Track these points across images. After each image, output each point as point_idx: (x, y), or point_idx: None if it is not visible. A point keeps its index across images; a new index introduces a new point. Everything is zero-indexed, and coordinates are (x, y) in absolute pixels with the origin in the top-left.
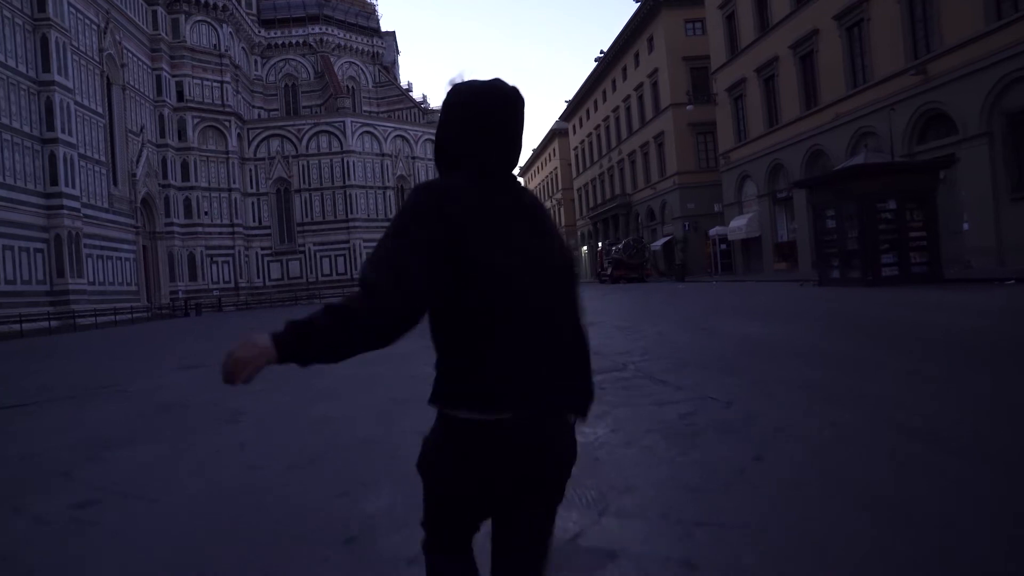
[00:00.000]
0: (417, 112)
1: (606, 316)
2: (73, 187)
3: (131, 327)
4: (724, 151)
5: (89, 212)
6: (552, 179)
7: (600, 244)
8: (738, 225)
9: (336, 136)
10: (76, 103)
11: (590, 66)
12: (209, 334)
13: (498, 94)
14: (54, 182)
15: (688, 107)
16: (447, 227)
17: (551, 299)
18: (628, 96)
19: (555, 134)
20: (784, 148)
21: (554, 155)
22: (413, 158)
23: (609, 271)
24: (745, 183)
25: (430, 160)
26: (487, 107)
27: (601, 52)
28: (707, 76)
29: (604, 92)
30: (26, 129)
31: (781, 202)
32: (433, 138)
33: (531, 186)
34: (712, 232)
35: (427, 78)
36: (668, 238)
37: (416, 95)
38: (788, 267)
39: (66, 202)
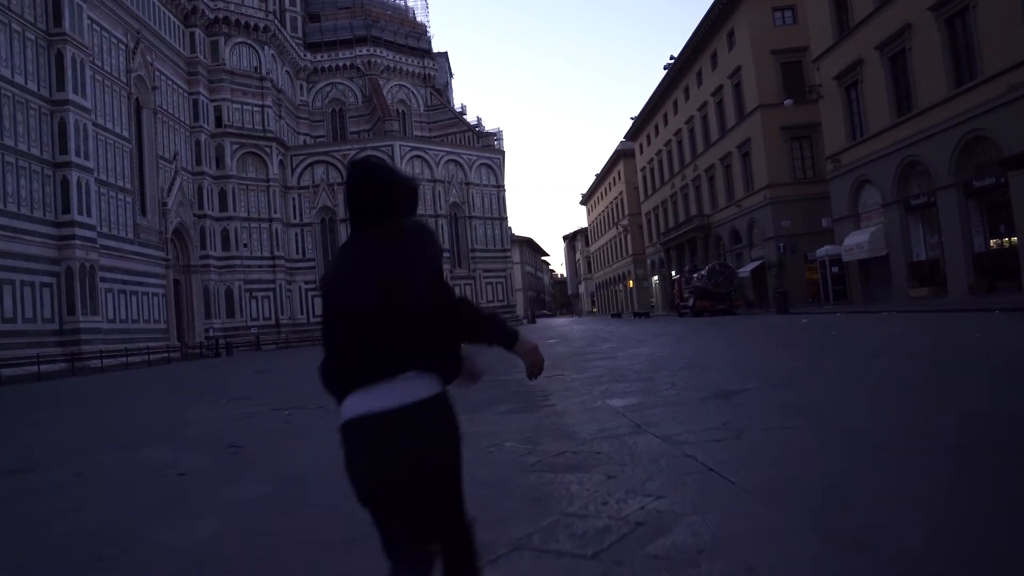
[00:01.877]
0: (471, 136)
1: (711, 375)
2: (88, 215)
3: (141, 371)
4: (832, 154)
5: (110, 243)
6: (617, 205)
7: (674, 273)
8: (856, 242)
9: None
10: (95, 125)
11: (657, 77)
12: (216, 386)
13: (349, 167)
14: (66, 210)
15: (786, 102)
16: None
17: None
18: (704, 103)
19: (619, 156)
20: (922, 140)
21: (619, 179)
22: (467, 184)
23: (691, 302)
24: (863, 190)
25: (485, 186)
26: (346, 180)
27: (672, 58)
28: (801, 71)
29: (675, 103)
30: (35, 152)
31: (917, 210)
32: (489, 163)
33: (594, 213)
34: (820, 253)
35: (482, 100)
36: (759, 262)
37: (470, 118)
38: (930, 292)
39: (79, 231)
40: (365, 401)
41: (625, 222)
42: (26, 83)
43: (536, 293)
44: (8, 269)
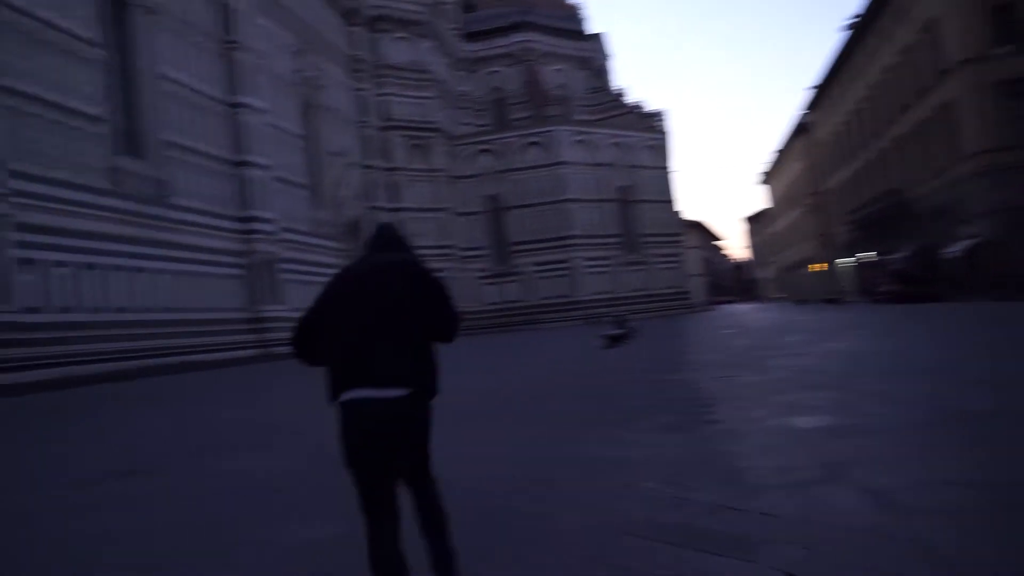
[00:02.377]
0: (633, 117)
1: (935, 384)
2: (267, 210)
3: None
4: None
5: (289, 236)
6: (799, 182)
7: (867, 254)
8: None
9: (546, 147)
10: (270, 125)
11: (836, 41)
12: None
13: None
14: (248, 206)
15: (1000, 52)
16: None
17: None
18: (894, 65)
19: (799, 130)
20: None
21: (800, 154)
22: (632, 167)
23: (888, 287)
24: None
25: (652, 168)
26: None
27: (854, 18)
28: (1017, 13)
29: (858, 67)
30: (218, 152)
31: None
32: (654, 144)
33: (775, 192)
34: None
35: (642, 81)
36: (971, 241)
37: (631, 100)
38: None
39: (259, 226)
40: (363, 392)
41: (809, 200)
42: (209, 90)
43: (712, 278)
44: (201, 262)
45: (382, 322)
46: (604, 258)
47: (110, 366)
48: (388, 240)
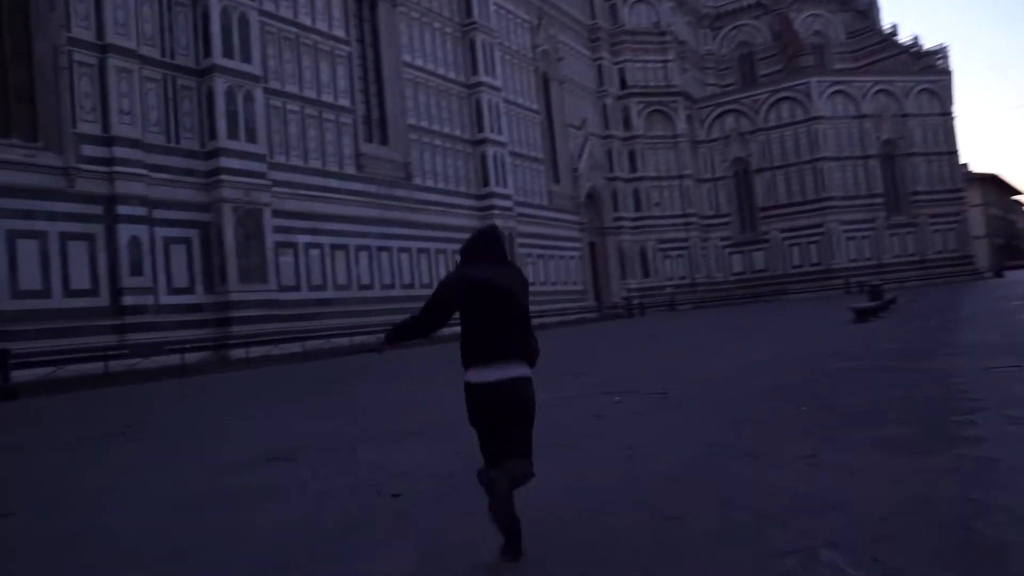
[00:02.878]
0: (906, 59)
1: None
2: (505, 186)
3: (547, 331)
4: None
5: (527, 211)
6: None
7: None
8: None
9: (799, 102)
10: (506, 101)
11: None
12: (575, 354)
13: (485, 229)
14: (485, 183)
15: None
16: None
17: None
18: None
19: None
20: None
21: None
22: (903, 116)
23: None
24: None
25: (927, 115)
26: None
27: None
28: None
29: None
30: (458, 133)
31: None
32: (930, 88)
33: None
34: None
35: (918, 13)
36: None
37: (904, 37)
38: None
39: (496, 202)
40: (501, 371)
41: None
42: (447, 73)
43: (1005, 240)
44: (440, 240)
45: (510, 317)
46: (865, 221)
47: (353, 340)
48: (498, 251)
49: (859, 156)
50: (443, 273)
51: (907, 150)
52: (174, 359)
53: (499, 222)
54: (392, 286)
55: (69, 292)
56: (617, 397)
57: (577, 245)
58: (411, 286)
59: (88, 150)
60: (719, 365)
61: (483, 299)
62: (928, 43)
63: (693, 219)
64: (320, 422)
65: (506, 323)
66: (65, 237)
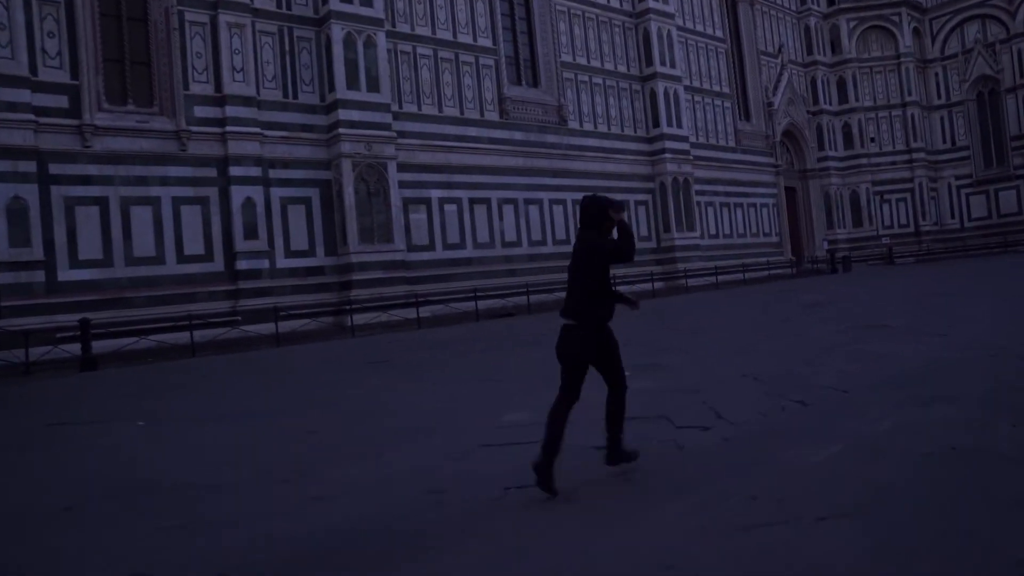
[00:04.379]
0: None
1: None
2: (679, 127)
3: (712, 292)
4: None
5: (708, 154)
6: None
7: None
8: None
9: None
10: (681, 29)
11: None
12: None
13: (593, 199)
14: (655, 124)
15: None
16: None
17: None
18: None
19: None
20: None
21: None
22: None
23: None
24: None
25: None
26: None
27: None
28: None
29: None
30: (622, 69)
31: None
32: None
33: None
34: None
35: None
36: None
37: None
38: None
39: (669, 144)
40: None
41: None
42: (608, 2)
43: None
44: (603, 190)
45: (571, 280)
46: None
47: (504, 301)
48: (587, 219)
49: None
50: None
51: None
52: (292, 324)
53: (671, 167)
54: (543, 242)
55: (182, 257)
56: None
57: (771, 191)
58: (565, 241)
59: (200, 111)
60: (916, 349)
61: None
62: None
63: (920, 155)
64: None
65: (570, 283)
66: (178, 202)
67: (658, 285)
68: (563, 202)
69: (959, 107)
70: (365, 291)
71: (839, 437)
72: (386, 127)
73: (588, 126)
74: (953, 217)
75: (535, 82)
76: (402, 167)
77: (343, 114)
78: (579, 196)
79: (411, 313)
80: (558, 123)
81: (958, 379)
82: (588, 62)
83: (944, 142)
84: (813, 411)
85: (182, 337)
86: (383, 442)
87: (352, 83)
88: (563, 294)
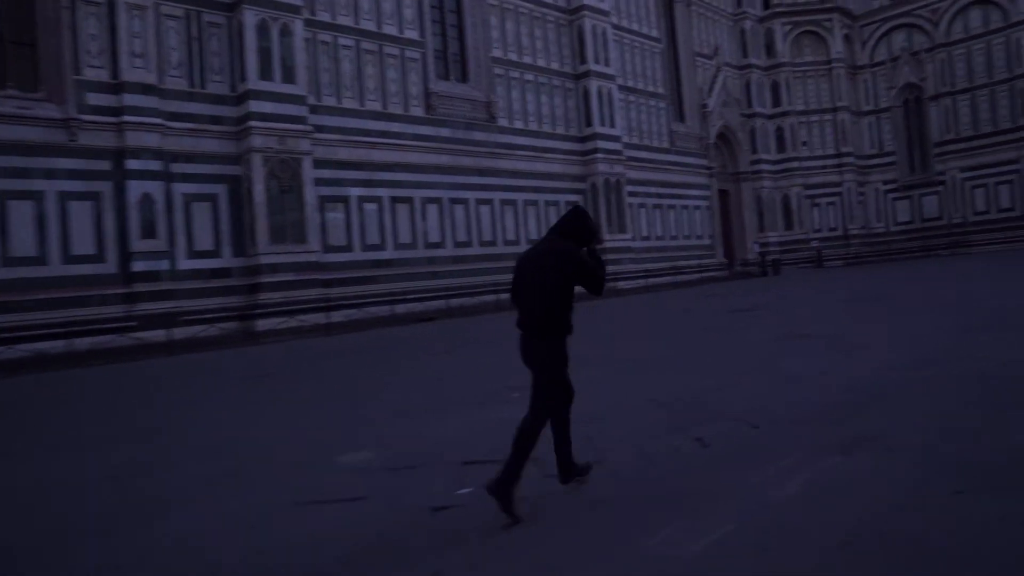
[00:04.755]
0: None
1: None
2: (612, 126)
3: (643, 296)
4: None
5: (642, 155)
6: None
7: None
8: None
9: (997, 5)
10: (617, 28)
11: None
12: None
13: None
14: (588, 123)
15: None
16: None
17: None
18: None
19: None
20: None
21: None
22: None
23: None
24: None
25: None
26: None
27: None
28: None
29: None
30: (555, 66)
31: None
32: None
33: None
34: None
35: None
36: None
37: None
38: None
39: (601, 144)
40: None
41: None
42: None
43: None
44: (531, 190)
45: (534, 287)
46: None
47: (425, 305)
48: (568, 227)
49: (1005, 79)
50: (532, 228)
51: None
52: (194, 330)
53: (603, 167)
54: (468, 243)
55: (70, 258)
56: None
57: (704, 193)
58: (492, 243)
59: (94, 99)
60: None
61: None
62: None
63: (849, 159)
64: None
65: (521, 294)
66: (66, 197)
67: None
68: (490, 202)
69: (887, 113)
70: (275, 294)
71: (730, 509)
72: (301, 120)
73: (518, 124)
74: (880, 221)
75: (464, 77)
76: (319, 163)
77: (255, 106)
78: (507, 196)
79: (324, 318)
80: (487, 120)
81: (888, 410)
82: (520, 58)
83: (872, 147)
84: (710, 456)
85: (55, 346)
86: (170, 499)
87: (265, 73)
88: (488, 298)
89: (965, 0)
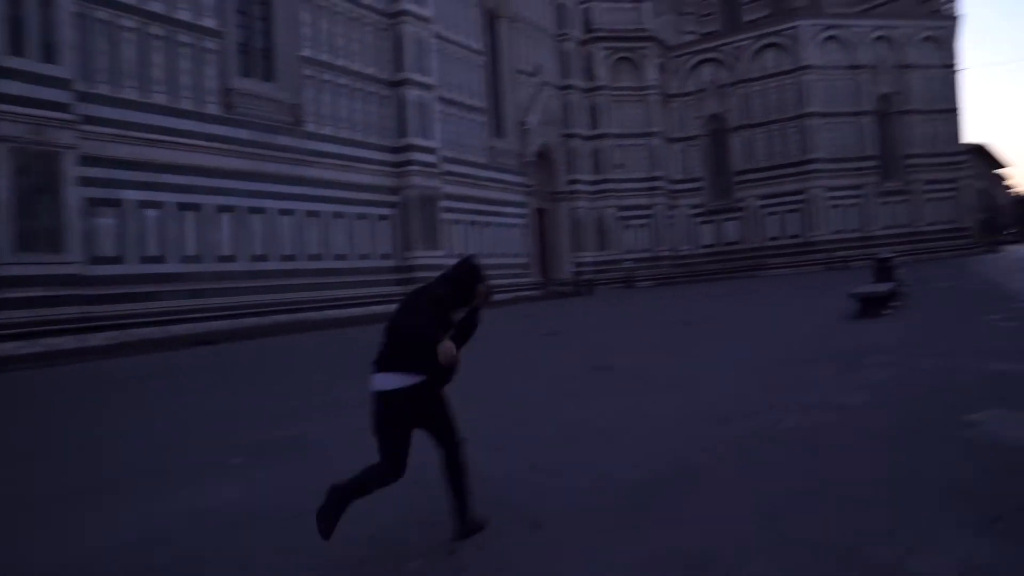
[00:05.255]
0: (910, 2)
1: None
2: (429, 138)
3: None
4: None
5: (459, 169)
6: None
7: None
8: None
9: (787, 49)
10: (439, 37)
11: None
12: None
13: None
14: (403, 133)
15: None
16: None
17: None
18: None
19: None
20: None
21: None
22: (902, 67)
23: None
24: None
25: (929, 67)
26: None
27: None
28: None
29: None
30: (371, 71)
31: None
32: (935, 35)
33: None
34: None
35: None
36: None
37: None
38: None
39: (417, 156)
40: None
41: None
42: None
43: (989, 215)
44: (341, 201)
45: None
46: (853, 187)
47: (209, 325)
48: (456, 280)
49: (851, 112)
50: (339, 242)
51: (904, 107)
52: None
53: (418, 180)
54: (265, 257)
55: None
56: None
57: (522, 211)
58: (292, 257)
59: None
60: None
61: None
62: None
63: (660, 183)
64: None
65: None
66: None
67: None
68: (293, 213)
69: (694, 141)
70: (21, 313)
71: None
72: (65, 108)
73: (328, 130)
74: (687, 243)
75: (269, 76)
76: (88, 160)
77: (2, 85)
78: (313, 207)
79: (77, 341)
80: (293, 124)
81: (703, 502)
82: (333, 60)
83: (681, 172)
84: None
85: None
86: None
87: (17, 48)
88: (283, 317)
89: (762, 42)
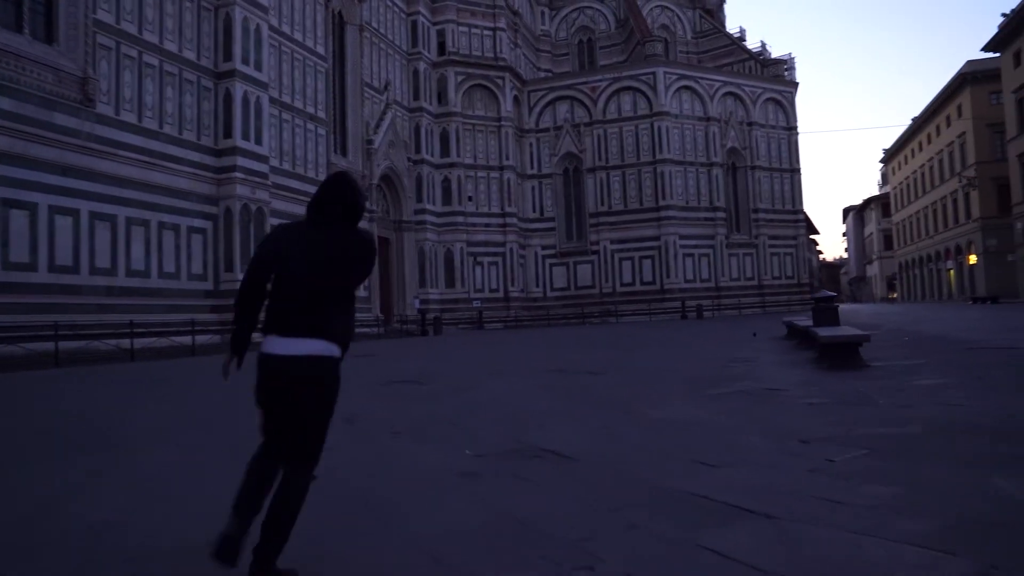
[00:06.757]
0: (753, 65)
1: None
2: (258, 143)
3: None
4: None
5: (291, 183)
6: (954, 152)
7: None
8: None
9: (643, 94)
10: (275, 31)
11: None
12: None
13: (331, 178)
14: (228, 134)
15: None
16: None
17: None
18: None
19: (965, 80)
20: None
21: (961, 114)
22: (749, 124)
23: None
24: None
25: (772, 127)
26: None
27: None
28: None
29: None
30: (189, 55)
31: None
32: (777, 97)
33: (904, 171)
34: None
35: (763, 22)
36: None
37: (751, 43)
38: None
39: (243, 162)
40: (286, 345)
41: (971, 173)
42: None
43: (806, 276)
44: (145, 206)
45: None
46: (705, 237)
47: None
48: (347, 210)
49: (703, 163)
50: (136, 252)
51: (751, 163)
52: None
53: (243, 191)
54: (33, 267)
55: None
56: None
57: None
58: (73, 270)
59: None
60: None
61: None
62: (775, 51)
63: (513, 220)
64: None
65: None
66: None
67: (205, 339)
68: (74, 213)
69: (548, 179)
70: None
71: None
72: None
73: (130, 116)
74: (538, 285)
75: (49, 37)
76: None
77: None
78: (103, 209)
79: None
80: (80, 101)
81: None
82: (140, 33)
83: (534, 211)
84: None
85: None
86: None
87: None
88: (48, 345)
89: (618, 84)
